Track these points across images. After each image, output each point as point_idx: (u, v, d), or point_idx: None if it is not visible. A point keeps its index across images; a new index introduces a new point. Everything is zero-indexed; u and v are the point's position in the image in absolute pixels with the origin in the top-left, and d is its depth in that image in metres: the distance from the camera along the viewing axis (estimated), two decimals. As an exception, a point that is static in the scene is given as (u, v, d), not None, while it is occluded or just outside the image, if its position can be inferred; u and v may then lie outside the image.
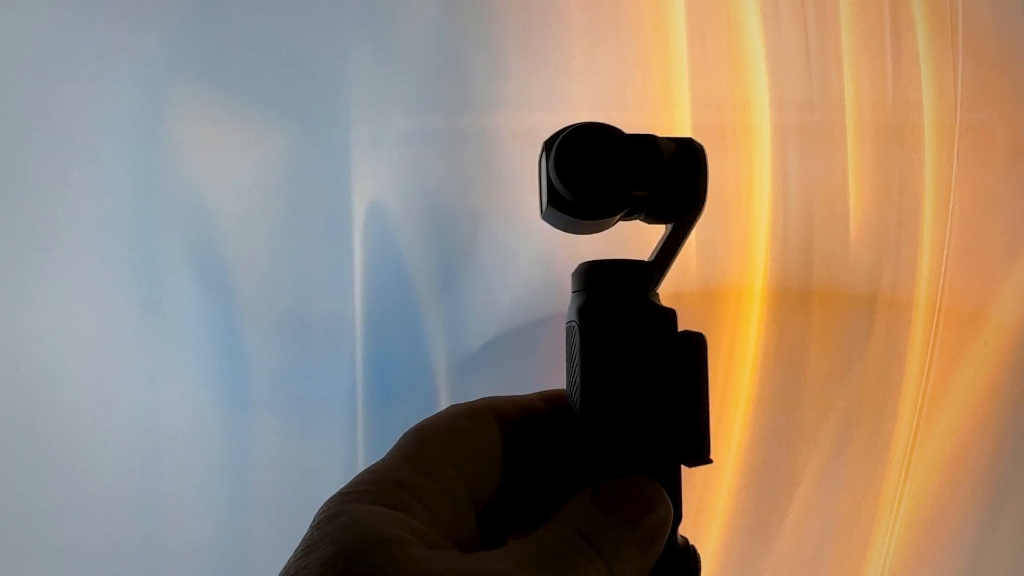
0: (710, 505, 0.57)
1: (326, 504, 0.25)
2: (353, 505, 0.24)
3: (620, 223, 0.31)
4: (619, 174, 0.28)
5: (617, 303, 0.28)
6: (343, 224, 0.54)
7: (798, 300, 0.57)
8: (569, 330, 0.29)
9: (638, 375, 0.27)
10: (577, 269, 0.29)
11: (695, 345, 0.28)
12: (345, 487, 0.26)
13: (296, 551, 0.24)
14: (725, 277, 0.57)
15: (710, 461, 0.28)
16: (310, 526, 0.25)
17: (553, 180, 0.28)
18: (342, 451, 0.55)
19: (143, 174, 0.53)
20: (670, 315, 0.28)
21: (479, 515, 0.27)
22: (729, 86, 0.56)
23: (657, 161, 0.29)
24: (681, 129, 0.55)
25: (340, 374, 0.54)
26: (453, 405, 0.29)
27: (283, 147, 0.54)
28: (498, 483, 0.28)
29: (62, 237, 0.53)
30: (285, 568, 0.24)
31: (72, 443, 0.54)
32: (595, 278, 0.29)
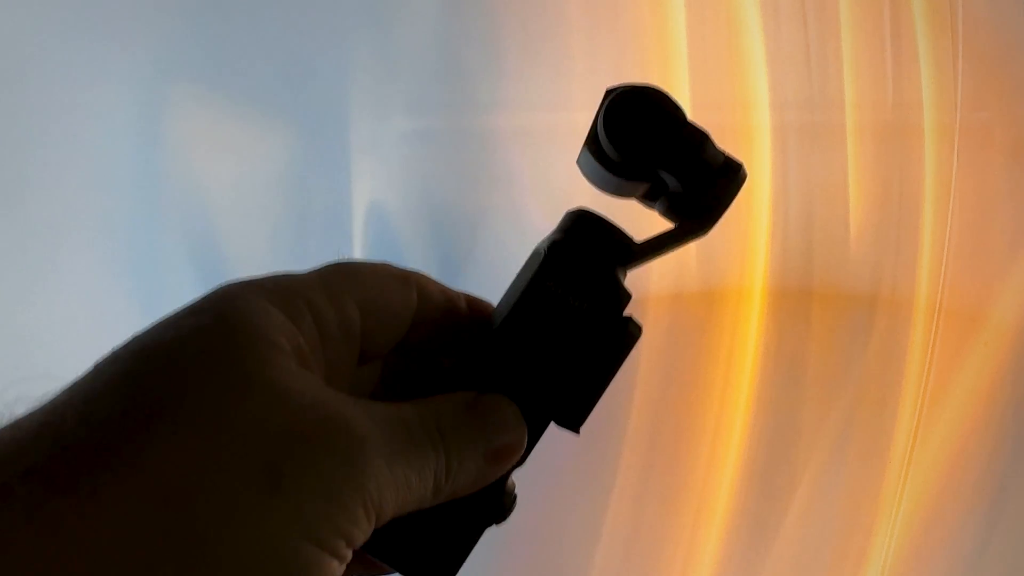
0: (710, 505, 0.57)
1: (226, 283, 0.25)
2: (252, 294, 0.24)
3: (639, 207, 0.31)
4: (659, 143, 0.29)
5: (587, 261, 0.29)
6: (343, 224, 0.54)
7: (798, 300, 0.57)
8: (534, 255, 0.30)
9: (567, 330, 0.28)
10: (572, 210, 0.30)
11: (629, 334, 0.29)
12: (253, 277, 0.26)
13: (182, 308, 0.24)
14: (725, 277, 0.57)
15: (578, 433, 0.29)
16: (209, 292, 0.25)
17: (599, 123, 0.29)
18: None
19: (143, 174, 0.53)
20: (624, 296, 0.29)
21: (359, 365, 0.27)
22: (729, 86, 0.56)
23: (697, 155, 0.29)
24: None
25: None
26: (387, 263, 0.29)
27: (283, 147, 0.54)
28: (390, 350, 0.28)
29: (62, 237, 0.53)
30: (166, 317, 0.24)
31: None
32: (581, 226, 0.29)
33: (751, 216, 0.56)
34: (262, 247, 0.54)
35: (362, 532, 0.22)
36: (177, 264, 0.53)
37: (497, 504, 0.28)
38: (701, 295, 0.56)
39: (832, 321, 0.57)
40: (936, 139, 0.57)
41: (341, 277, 0.27)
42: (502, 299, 0.30)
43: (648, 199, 0.31)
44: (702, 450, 0.57)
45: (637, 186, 0.30)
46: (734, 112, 0.56)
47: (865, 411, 0.58)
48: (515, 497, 0.29)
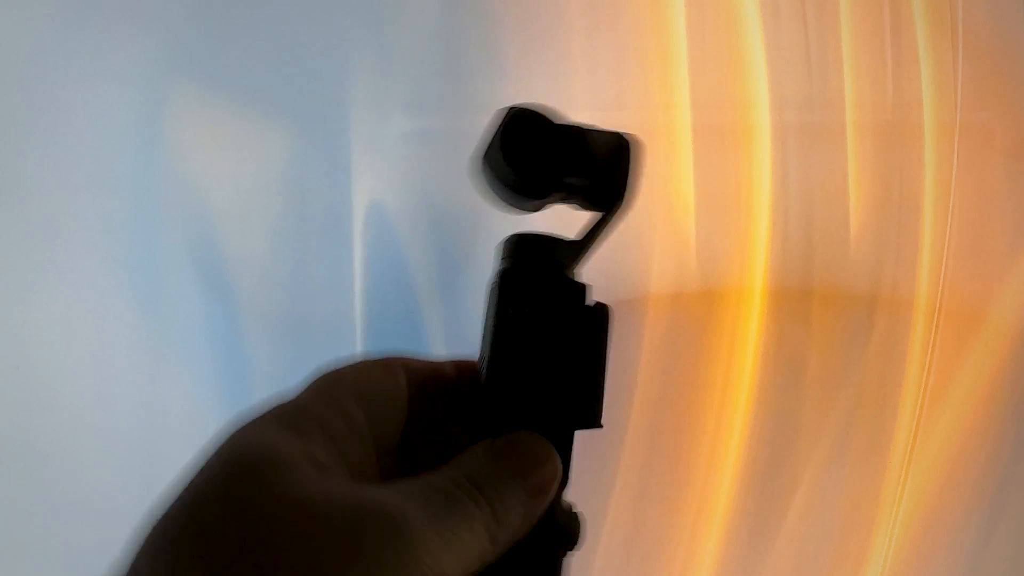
0: (710, 505, 0.57)
1: (228, 424, 0.26)
2: (253, 427, 0.25)
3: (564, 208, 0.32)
4: (550, 159, 0.29)
5: (533, 274, 0.29)
6: (343, 224, 0.54)
7: (798, 300, 0.57)
8: (489, 293, 0.30)
9: (544, 341, 0.29)
10: (505, 239, 0.31)
11: (601, 316, 0.30)
12: (259, 413, 0.26)
13: (192, 466, 0.25)
14: (725, 277, 0.57)
15: (600, 426, 0.29)
16: (223, 441, 0.25)
17: (501, 161, 0.30)
18: (342, 451, 0.55)
19: (143, 174, 0.53)
20: (581, 288, 0.30)
21: (379, 459, 0.28)
22: (729, 86, 0.56)
23: (585, 149, 0.30)
24: (681, 129, 0.55)
25: (340, 374, 0.54)
26: (366, 356, 0.30)
27: (283, 147, 0.54)
28: (400, 433, 0.29)
29: (62, 237, 0.53)
30: (185, 477, 0.24)
31: (72, 443, 0.54)
32: (519, 248, 0.30)
33: (751, 216, 0.56)
34: (262, 247, 0.54)
35: None
36: (177, 264, 0.53)
37: (561, 531, 0.28)
38: (701, 295, 0.56)
39: (832, 321, 0.57)
40: (936, 139, 0.57)
41: (331, 383, 0.28)
42: (480, 344, 0.30)
43: (566, 202, 0.32)
44: (702, 450, 0.57)
45: (553, 198, 0.31)
46: (734, 112, 0.56)
47: (865, 411, 0.58)
48: (577, 516, 0.29)
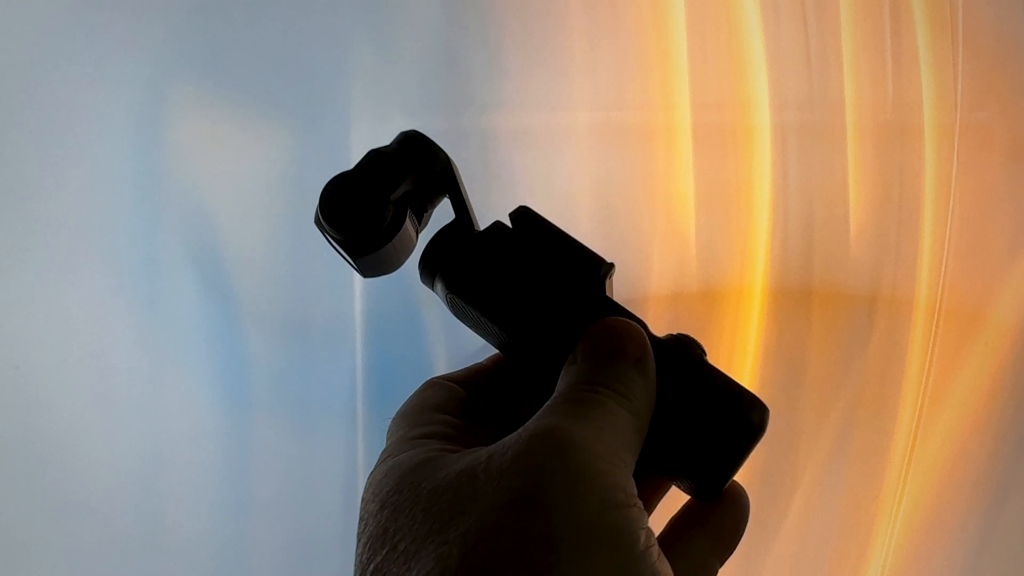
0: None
1: (369, 477, 0.28)
2: (388, 459, 0.28)
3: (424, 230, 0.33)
4: (366, 213, 0.31)
5: (459, 256, 0.31)
6: (343, 224, 0.54)
7: (798, 300, 0.57)
8: (452, 305, 0.32)
9: (514, 270, 0.31)
10: (418, 268, 0.33)
11: (525, 215, 0.31)
12: (387, 461, 0.28)
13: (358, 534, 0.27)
14: (725, 277, 0.57)
15: (612, 264, 0.31)
16: (370, 489, 0.28)
17: (335, 239, 0.31)
18: (342, 451, 0.55)
19: (143, 174, 0.53)
20: (497, 223, 0.32)
21: None
22: (729, 86, 0.56)
23: (387, 170, 0.31)
24: (681, 129, 0.55)
25: (340, 374, 0.54)
26: (416, 394, 0.32)
27: (283, 147, 0.54)
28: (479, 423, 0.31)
29: (62, 237, 0.53)
30: (356, 556, 0.26)
31: (72, 443, 0.54)
32: (433, 258, 0.32)
33: (751, 216, 0.56)
34: (262, 247, 0.54)
35: (626, 479, 0.25)
36: (177, 264, 0.53)
37: (692, 348, 0.30)
38: (701, 295, 0.56)
39: (832, 321, 0.57)
40: (936, 139, 0.57)
41: (410, 415, 0.31)
42: (490, 338, 0.32)
43: (416, 220, 0.33)
44: (702, 450, 0.57)
45: (405, 231, 0.32)
46: (734, 112, 0.56)
47: (865, 411, 0.58)
48: (684, 336, 0.31)
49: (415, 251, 0.33)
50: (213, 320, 0.54)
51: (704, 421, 0.29)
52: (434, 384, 0.32)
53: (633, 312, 0.31)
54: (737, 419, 0.30)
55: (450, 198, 0.33)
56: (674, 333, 0.31)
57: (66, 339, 0.53)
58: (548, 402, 0.28)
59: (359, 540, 0.26)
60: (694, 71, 0.56)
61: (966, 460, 0.59)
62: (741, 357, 0.57)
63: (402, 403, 0.32)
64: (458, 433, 0.29)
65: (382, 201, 0.31)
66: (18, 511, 0.54)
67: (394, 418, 0.31)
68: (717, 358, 0.57)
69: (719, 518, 0.31)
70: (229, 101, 0.54)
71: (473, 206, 0.33)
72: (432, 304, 0.55)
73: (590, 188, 0.55)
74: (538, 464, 0.24)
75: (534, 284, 0.31)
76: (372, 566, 0.25)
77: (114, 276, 0.53)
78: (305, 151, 0.54)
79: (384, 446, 0.30)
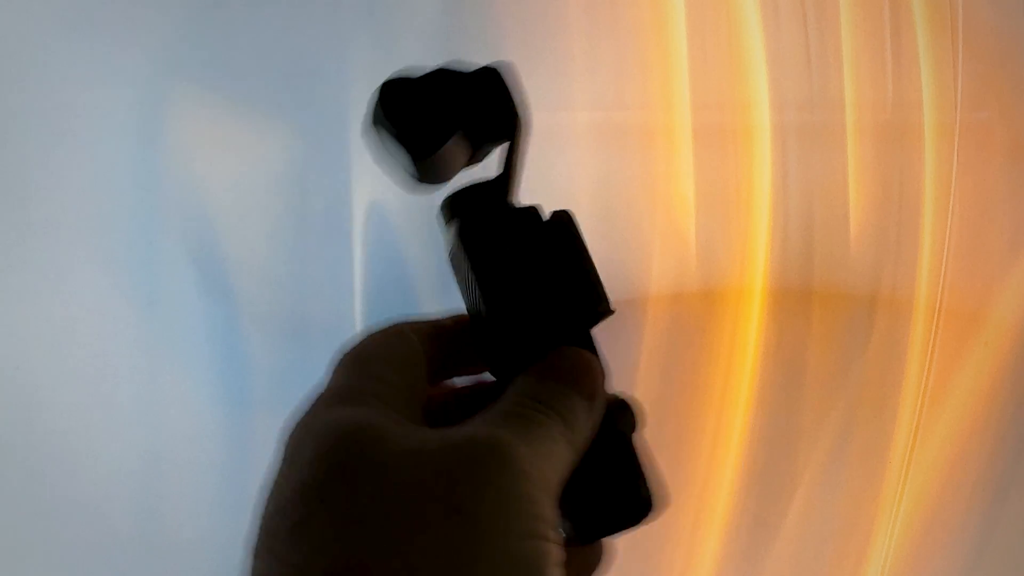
0: (710, 505, 0.57)
1: (286, 423, 0.27)
2: (316, 411, 0.27)
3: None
4: (425, 110, 0.30)
5: (484, 213, 0.31)
6: (343, 224, 0.54)
7: (798, 300, 0.57)
8: (453, 257, 0.32)
9: (526, 265, 0.30)
10: (441, 203, 0.32)
11: (564, 222, 0.31)
12: (305, 406, 0.28)
13: (276, 469, 0.26)
14: (725, 277, 0.57)
15: (613, 311, 0.31)
16: (279, 444, 0.27)
17: (393, 138, 0.31)
18: (342, 451, 0.55)
19: (143, 174, 0.53)
20: (533, 209, 0.31)
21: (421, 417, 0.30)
22: (729, 86, 0.56)
23: (456, 93, 0.31)
24: (681, 129, 0.55)
25: (340, 374, 0.54)
26: (370, 328, 0.32)
27: (283, 147, 0.54)
28: (426, 389, 0.31)
29: (62, 237, 0.53)
30: (270, 489, 0.26)
31: (72, 443, 0.54)
32: (457, 203, 0.32)
33: (751, 216, 0.56)
34: (262, 247, 0.54)
35: (550, 509, 0.25)
36: (177, 264, 0.53)
37: (624, 419, 0.30)
38: (701, 295, 0.56)
39: (832, 321, 0.57)
40: (936, 139, 0.57)
41: (361, 360, 0.30)
42: (466, 302, 0.32)
43: (472, 161, 0.33)
44: (702, 450, 0.57)
45: (454, 155, 0.32)
46: (734, 112, 0.56)
47: (865, 411, 0.58)
48: (627, 401, 0.31)
49: (456, 179, 0.33)
50: (213, 320, 0.54)
51: (604, 485, 0.30)
52: (399, 334, 0.31)
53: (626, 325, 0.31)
54: (631, 500, 0.30)
55: (508, 152, 0.32)
56: (620, 397, 0.31)
57: (66, 339, 0.53)
58: (497, 406, 0.28)
59: (284, 475, 0.26)
60: (694, 71, 0.56)
61: (966, 460, 0.59)
62: (741, 357, 0.57)
63: (361, 337, 0.31)
64: (404, 400, 0.29)
65: (440, 106, 0.30)
66: (18, 511, 0.54)
67: (348, 356, 0.30)
68: (717, 358, 0.57)
69: (583, 554, 0.31)
70: (229, 101, 0.54)
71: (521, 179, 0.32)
72: (432, 305, 0.55)
73: (590, 188, 0.55)
74: (479, 479, 0.24)
75: (535, 284, 0.30)
76: (298, 515, 0.24)
77: (114, 276, 0.53)
78: (305, 151, 0.54)
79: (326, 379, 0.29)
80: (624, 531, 0.31)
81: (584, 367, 0.30)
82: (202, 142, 0.53)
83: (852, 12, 0.56)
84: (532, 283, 0.30)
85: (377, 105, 0.31)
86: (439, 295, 0.55)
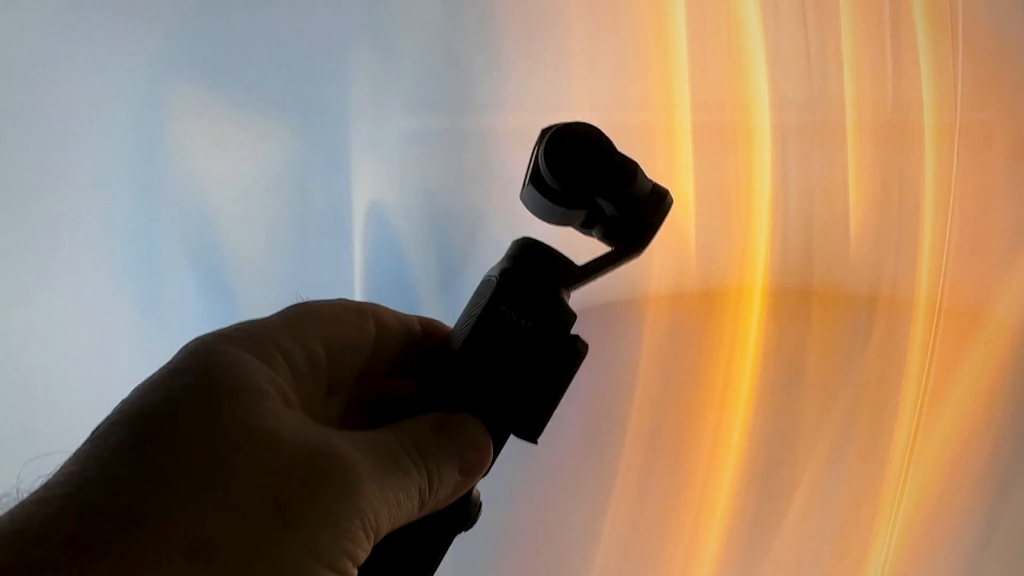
0: (710, 505, 0.57)
1: (198, 339, 0.27)
2: (227, 346, 0.26)
3: (580, 235, 0.33)
4: (594, 172, 0.31)
5: (533, 284, 0.31)
6: (343, 224, 0.54)
7: (798, 300, 0.57)
8: (485, 282, 0.31)
9: (520, 349, 0.30)
10: (519, 240, 0.32)
11: (576, 351, 0.31)
12: (221, 329, 0.27)
13: (160, 370, 0.26)
14: (725, 277, 0.57)
15: (535, 443, 0.31)
16: (179, 352, 0.26)
17: (539, 158, 0.31)
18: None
19: (143, 174, 0.53)
20: (569, 316, 0.31)
21: (326, 398, 0.29)
22: (729, 86, 0.56)
23: (628, 182, 0.31)
24: (681, 129, 0.55)
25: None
26: (344, 299, 0.31)
27: (283, 147, 0.54)
28: (355, 377, 0.30)
29: (62, 237, 0.53)
30: (150, 380, 0.25)
31: (72, 443, 0.54)
32: (528, 254, 0.31)
33: (751, 216, 0.56)
34: (262, 247, 0.54)
35: (364, 551, 0.24)
36: (177, 264, 0.53)
37: (464, 513, 0.30)
38: (701, 295, 0.56)
39: (832, 321, 0.57)
40: (936, 139, 0.57)
41: (303, 317, 0.29)
42: (458, 322, 0.32)
43: (586, 227, 0.33)
44: (702, 450, 0.57)
45: (577, 214, 0.32)
46: (734, 112, 0.56)
47: (865, 411, 0.58)
48: (480, 505, 0.31)
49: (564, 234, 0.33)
50: (213, 320, 0.54)
51: (405, 558, 0.30)
52: (360, 313, 0.30)
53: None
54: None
55: (607, 257, 0.32)
56: (479, 499, 0.31)
57: (66, 339, 0.53)
58: (381, 433, 0.27)
59: (151, 382, 0.25)
60: (694, 71, 0.56)
61: (966, 460, 0.59)
62: (741, 357, 0.57)
63: (330, 301, 0.30)
64: (313, 376, 0.28)
65: (590, 188, 0.31)
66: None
67: (299, 308, 0.29)
68: (717, 358, 0.57)
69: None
70: (229, 100, 0.54)
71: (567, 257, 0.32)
72: (432, 305, 0.55)
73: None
74: (313, 492, 0.24)
75: (509, 374, 0.30)
76: (125, 434, 0.24)
77: (114, 276, 0.53)
78: (305, 151, 0.54)
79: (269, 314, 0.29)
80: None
81: (478, 446, 0.29)
82: (202, 142, 0.54)
83: (852, 12, 0.56)
84: (507, 367, 0.30)
85: (548, 144, 0.31)
86: (439, 295, 0.55)
